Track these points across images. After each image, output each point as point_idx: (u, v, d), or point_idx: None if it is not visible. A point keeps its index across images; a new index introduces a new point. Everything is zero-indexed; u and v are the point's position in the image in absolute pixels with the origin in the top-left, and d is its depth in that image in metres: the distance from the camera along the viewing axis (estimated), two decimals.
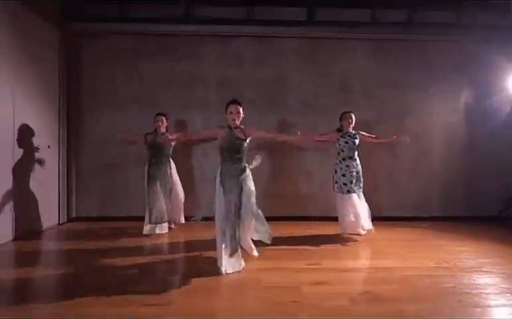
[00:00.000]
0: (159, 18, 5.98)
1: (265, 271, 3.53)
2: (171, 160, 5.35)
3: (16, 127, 4.83)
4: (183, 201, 5.45)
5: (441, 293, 3.01)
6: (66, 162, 5.98)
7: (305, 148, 6.27)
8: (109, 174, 6.15)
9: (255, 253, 3.95)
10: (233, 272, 3.48)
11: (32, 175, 5.12)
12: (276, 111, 6.25)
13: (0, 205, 4.54)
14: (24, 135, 4.99)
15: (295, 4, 6.10)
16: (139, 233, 5.11)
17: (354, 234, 4.94)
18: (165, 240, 4.86)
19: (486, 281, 3.31)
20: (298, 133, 4.20)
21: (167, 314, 2.61)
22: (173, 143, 5.32)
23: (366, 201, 5.04)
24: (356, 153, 4.99)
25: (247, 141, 3.76)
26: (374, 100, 6.30)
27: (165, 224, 5.20)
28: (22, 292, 3.06)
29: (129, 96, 6.19)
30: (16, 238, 4.79)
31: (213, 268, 3.55)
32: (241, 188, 3.62)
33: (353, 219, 4.85)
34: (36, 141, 5.22)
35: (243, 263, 3.60)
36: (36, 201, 5.22)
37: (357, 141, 4.96)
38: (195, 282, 3.25)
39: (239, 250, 3.60)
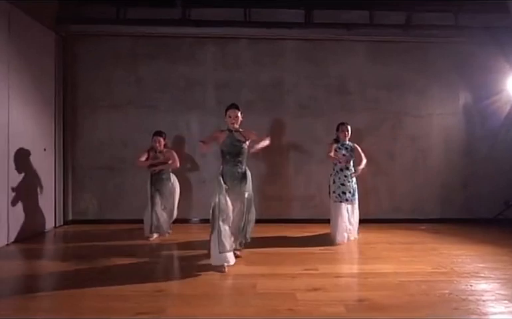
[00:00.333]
0: (157, 20, 5.93)
1: (261, 277, 3.50)
2: (172, 174, 5.27)
3: (12, 130, 4.80)
4: (175, 215, 5.35)
5: (437, 300, 2.98)
6: (62, 165, 5.96)
7: (302, 150, 6.25)
8: (106, 177, 6.13)
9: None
10: (225, 274, 3.53)
11: (28, 178, 5.08)
12: (274, 114, 6.23)
13: None
14: (20, 138, 4.96)
15: (293, 6, 6.06)
16: (135, 236, 5.09)
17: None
18: (161, 244, 4.83)
19: (483, 287, 3.28)
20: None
21: None
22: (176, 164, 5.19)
23: (363, 203, 5.01)
24: (352, 163, 4.99)
25: (247, 143, 3.88)
26: (372, 102, 6.27)
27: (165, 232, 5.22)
28: (13, 297, 3.03)
29: (126, 98, 6.16)
30: (13, 241, 4.77)
31: (207, 273, 3.54)
32: (242, 190, 3.78)
33: (346, 229, 4.84)
34: (31, 144, 5.19)
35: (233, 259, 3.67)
36: (32, 204, 5.20)
37: (353, 153, 5.00)
38: (189, 288, 3.22)
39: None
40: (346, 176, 4.87)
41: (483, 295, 3.09)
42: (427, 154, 6.35)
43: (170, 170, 5.21)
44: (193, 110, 6.20)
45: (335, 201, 4.85)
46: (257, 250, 4.35)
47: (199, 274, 3.56)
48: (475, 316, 2.70)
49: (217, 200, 3.65)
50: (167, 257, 4.32)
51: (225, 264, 3.62)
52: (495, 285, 3.32)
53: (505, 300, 2.99)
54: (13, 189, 4.79)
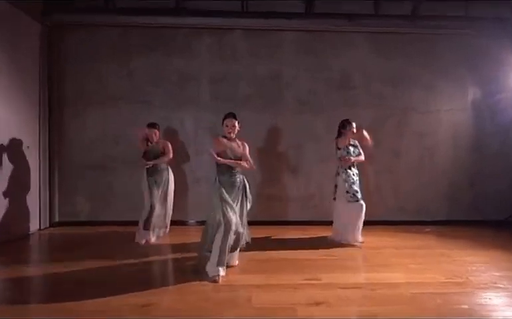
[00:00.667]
0: (150, 10, 5.58)
1: (258, 288, 3.19)
2: (169, 168, 5.09)
3: None
4: (170, 211, 5.11)
5: (455, 316, 2.66)
6: (48, 163, 5.62)
7: (301, 148, 5.93)
8: (96, 176, 5.79)
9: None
10: (218, 285, 3.25)
11: (9, 177, 4.76)
12: (272, 109, 5.90)
13: None
14: (1, 135, 4.62)
15: None
16: (126, 239, 4.78)
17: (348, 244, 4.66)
18: (153, 248, 4.50)
19: (503, 300, 2.97)
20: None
21: None
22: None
23: (366, 203, 4.71)
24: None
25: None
26: (376, 97, 5.95)
27: (161, 230, 5.02)
28: None
29: (116, 92, 5.82)
30: None
31: (200, 284, 3.24)
32: (241, 198, 3.65)
33: (357, 229, 4.59)
34: (14, 141, 4.86)
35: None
36: (15, 205, 4.87)
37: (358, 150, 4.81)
38: (181, 302, 2.91)
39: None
40: (354, 174, 4.69)
41: (505, 310, 2.79)
42: (434, 152, 6.03)
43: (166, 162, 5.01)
44: (187, 105, 5.86)
45: (350, 201, 4.56)
46: (254, 255, 4.04)
47: (192, 285, 3.25)
48: None
49: (224, 217, 3.41)
50: (158, 264, 3.99)
51: (220, 274, 3.35)
52: None
53: None
54: None
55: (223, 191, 3.52)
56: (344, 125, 4.74)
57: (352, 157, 4.68)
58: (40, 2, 5.40)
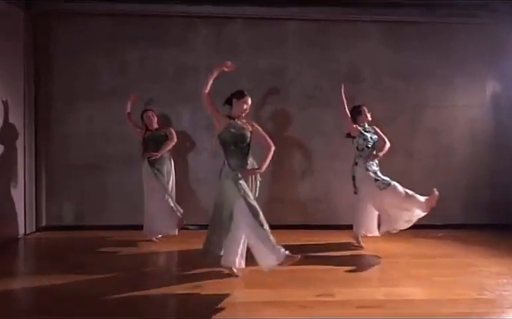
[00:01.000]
0: None
1: (264, 305, 2.78)
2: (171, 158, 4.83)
3: None
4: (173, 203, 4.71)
5: None
6: (34, 163, 5.22)
7: (308, 146, 5.52)
8: (86, 177, 5.38)
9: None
10: (221, 302, 2.80)
11: None
12: (275, 105, 5.49)
13: None
14: None
15: None
16: (119, 245, 4.43)
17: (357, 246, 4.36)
18: (150, 257, 4.11)
19: None
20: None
21: None
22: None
23: None
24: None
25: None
26: (387, 92, 5.53)
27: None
28: None
29: (108, 87, 5.41)
30: None
31: (200, 303, 2.83)
32: (254, 185, 3.36)
33: (405, 210, 4.08)
34: None
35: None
36: None
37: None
38: None
39: None
40: (374, 164, 4.30)
41: None
42: (449, 150, 5.62)
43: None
44: (184, 101, 5.46)
45: (383, 188, 4.07)
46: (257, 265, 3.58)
47: (191, 305, 2.83)
48: None
49: (247, 203, 3.04)
50: (152, 278, 3.54)
51: (286, 253, 2.88)
52: None
53: None
54: None
55: (237, 177, 3.16)
56: (356, 110, 4.40)
57: (380, 154, 4.31)
58: None
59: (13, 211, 4.81)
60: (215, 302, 2.80)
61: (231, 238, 3.22)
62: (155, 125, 4.76)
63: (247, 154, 3.31)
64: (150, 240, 4.60)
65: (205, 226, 4.73)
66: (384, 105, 5.45)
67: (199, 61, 5.46)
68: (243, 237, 3.18)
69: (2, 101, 4.62)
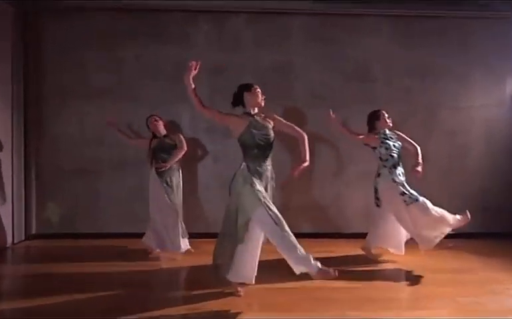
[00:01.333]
0: None
1: None
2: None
3: None
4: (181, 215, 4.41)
5: None
6: (23, 168, 4.93)
7: (314, 150, 5.19)
8: (78, 181, 5.07)
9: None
10: None
11: None
12: (280, 104, 5.14)
13: None
14: None
15: None
16: (113, 256, 4.17)
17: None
18: (149, 271, 3.79)
19: None
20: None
21: None
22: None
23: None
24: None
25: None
26: (399, 91, 5.20)
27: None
28: None
29: (102, 86, 5.10)
30: None
31: None
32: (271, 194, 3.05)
33: (431, 227, 3.75)
34: None
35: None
36: None
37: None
38: None
39: None
40: (401, 174, 3.92)
41: None
42: (465, 153, 5.29)
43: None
44: (184, 101, 5.09)
45: (409, 203, 3.71)
46: (261, 282, 3.21)
47: None
48: None
49: (270, 211, 2.76)
50: (150, 297, 3.17)
51: (318, 265, 2.68)
52: None
53: None
54: None
55: (257, 182, 2.86)
56: (374, 116, 4.05)
57: (419, 161, 3.90)
58: None
59: (1, 218, 4.51)
60: None
61: (244, 250, 2.89)
62: (163, 131, 4.42)
63: (269, 156, 3.02)
64: (146, 251, 4.28)
65: (204, 235, 4.49)
66: (396, 105, 5.06)
67: (201, 58, 5.13)
68: (258, 251, 2.92)
69: None
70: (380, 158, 3.94)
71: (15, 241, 4.75)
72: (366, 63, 5.22)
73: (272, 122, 3.08)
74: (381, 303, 2.98)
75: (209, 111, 2.99)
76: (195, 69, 2.88)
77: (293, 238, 2.73)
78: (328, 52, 5.21)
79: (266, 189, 2.95)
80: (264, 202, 2.79)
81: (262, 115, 3.10)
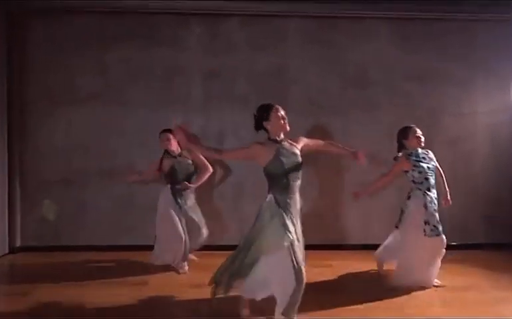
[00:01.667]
0: None
1: None
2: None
3: None
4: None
5: None
6: (7, 177, 4.75)
7: (311, 158, 5.00)
8: (63, 192, 4.89)
9: None
10: None
11: None
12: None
13: None
14: None
15: None
16: (103, 270, 4.05)
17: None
18: (140, 288, 3.57)
19: None
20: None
21: None
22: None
23: (386, 224, 4.04)
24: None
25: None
26: (400, 97, 5.05)
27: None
28: None
29: (90, 91, 4.96)
30: None
31: None
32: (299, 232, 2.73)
33: (435, 267, 3.56)
34: None
35: None
36: None
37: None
38: None
39: None
40: (434, 199, 3.58)
41: None
42: (469, 161, 5.12)
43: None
44: (175, 106, 4.98)
45: (429, 235, 3.45)
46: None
47: None
48: None
49: (295, 264, 2.51)
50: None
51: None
52: None
53: None
54: None
55: (286, 218, 2.57)
56: (403, 134, 3.74)
57: (447, 190, 3.74)
58: None
59: None
60: None
61: (259, 272, 2.68)
62: (178, 150, 4.15)
63: (298, 186, 2.72)
64: (134, 264, 4.10)
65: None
66: (396, 111, 4.99)
67: (192, 60, 5.00)
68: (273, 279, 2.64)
69: None
70: (413, 181, 3.64)
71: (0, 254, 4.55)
72: (364, 68, 5.08)
73: (298, 146, 2.80)
74: None
75: (229, 154, 2.85)
76: (182, 131, 2.63)
77: (300, 295, 2.50)
78: (326, 57, 5.07)
79: (295, 225, 2.64)
80: (290, 248, 2.52)
81: (289, 140, 2.79)
